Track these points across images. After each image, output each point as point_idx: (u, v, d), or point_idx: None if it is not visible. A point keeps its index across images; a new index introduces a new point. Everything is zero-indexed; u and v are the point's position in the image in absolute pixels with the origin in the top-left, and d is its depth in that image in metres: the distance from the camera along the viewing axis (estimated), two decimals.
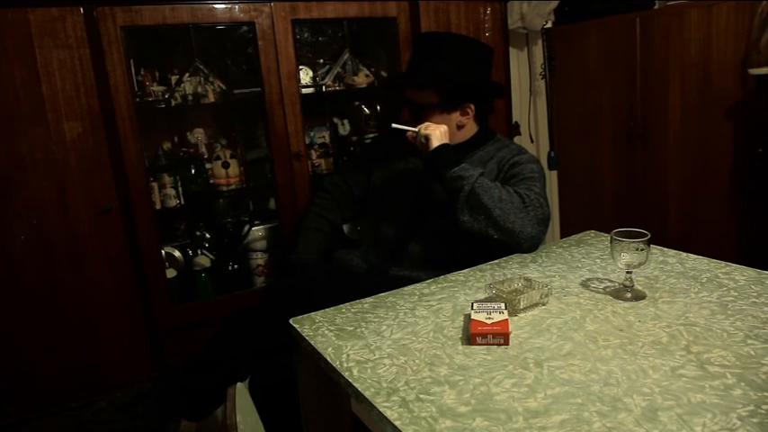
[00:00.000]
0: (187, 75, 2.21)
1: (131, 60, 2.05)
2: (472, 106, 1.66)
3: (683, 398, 0.80)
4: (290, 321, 1.18)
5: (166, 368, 2.14)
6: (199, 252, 2.37)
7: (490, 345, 1.00)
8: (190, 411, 1.39)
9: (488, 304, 1.08)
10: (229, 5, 2.05)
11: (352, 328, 1.12)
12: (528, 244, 1.46)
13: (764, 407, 0.77)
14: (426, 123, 1.57)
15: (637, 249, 1.11)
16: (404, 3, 2.34)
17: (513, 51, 3.10)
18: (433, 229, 1.64)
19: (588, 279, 1.27)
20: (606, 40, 2.84)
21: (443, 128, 1.56)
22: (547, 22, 3.01)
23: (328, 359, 1.00)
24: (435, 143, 1.52)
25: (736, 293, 1.13)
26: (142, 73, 2.19)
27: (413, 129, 1.58)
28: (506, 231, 1.43)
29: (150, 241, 2.05)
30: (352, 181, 1.93)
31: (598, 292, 1.20)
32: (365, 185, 1.87)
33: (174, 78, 2.22)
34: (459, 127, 1.67)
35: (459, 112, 1.66)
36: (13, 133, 1.80)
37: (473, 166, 1.53)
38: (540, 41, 3.14)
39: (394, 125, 1.61)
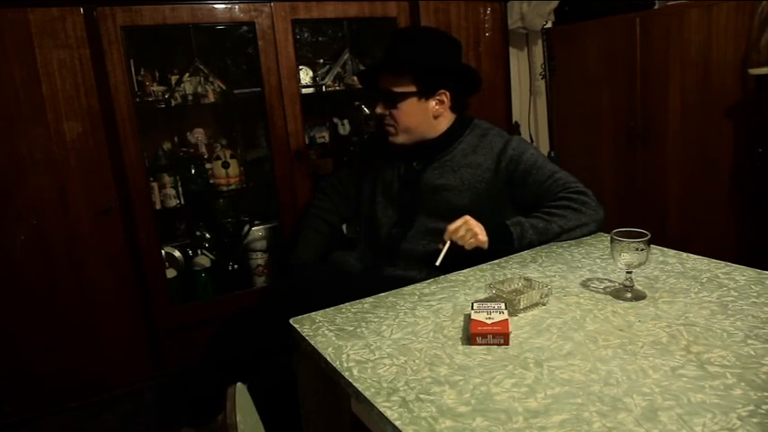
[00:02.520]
0: (187, 75, 2.21)
1: (131, 60, 2.05)
2: (448, 94, 1.63)
3: (683, 398, 0.80)
4: (290, 321, 1.18)
5: (166, 368, 2.14)
6: (199, 252, 2.37)
7: (490, 345, 1.00)
8: (192, 417, 1.39)
9: (488, 304, 1.08)
10: (229, 5, 2.05)
11: (352, 328, 1.12)
12: (602, 225, 1.57)
13: (764, 407, 0.77)
14: (453, 230, 1.45)
15: (637, 249, 1.11)
16: (404, 3, 2.34)
17: (513, 51, 3.10)
18: (422, 228, 1.63)
19: (588, 279, 1.27)
20: (606, 40, 2.84)
21: (468, 220, 1.45)
22: (547, 22, 3.01)
23: (328, 359, 1.00)
24: (483, 237, 1.45)
25: (736, 293, 1.13)
26: (142, 73, 2.19)
27: (446, 248, 1.45)
28: (584, 236, 1.55)
29: (150, 241, 2.05)
30: (347, 182, 1.94)
31: (598, 292, 1.20)
32: (358, 186, 1.88)
33: (174, 78, 2.22)
34: (435, 117, 1.64)
35: (435, 101, 1.63)
36: (13, 133, 1.80)
37: (457, 166, 1.62)
38: (540, 41, 3.14)
39: (437, 263, 1.44)
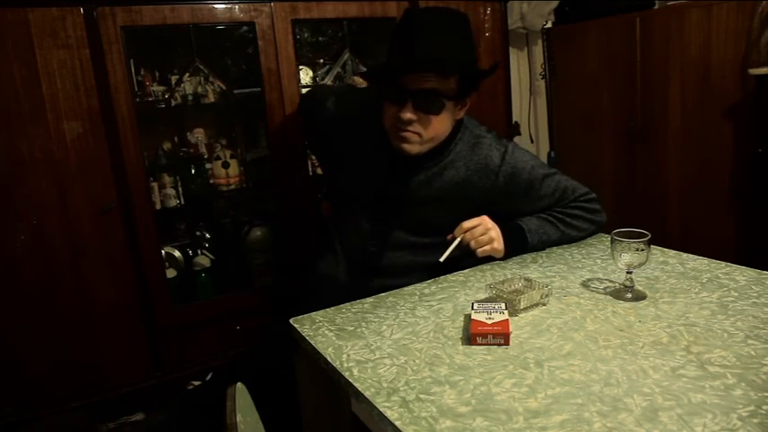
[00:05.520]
0: (187, 75, 2.21)
1: (131, 60, 2.05)
2: (473, 96, 1.41)
3: (684, 398, 0.80)
4: (290, 321, 1.17)
5: (166, 368, 2.14)
6: (199, 252, 2.37)
7: (490, 345, 1.00)
8: None
9: (489, 304, 1.08)
10: (229, 5, 2.05)
11: (352, 328, 1.12)
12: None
13: (765, 407, 0.77)
14: (467, 228, 1.35)
15: (637, 249, 1.11)
16: (404, 3, 2.34)
17: (513, 51, 3.10)
18: (400, 241, 1.47)
19: (588, 279, 1.27)
20: (606, 40, 2.84)
21: (486, 221, 1.37)
22: (547, 22, 3.02)
23: (328, 359, 1.00)
24: (500, 246, 1.39)
25: (736, 294, 1.13)
26: (142, 73, 2.19)
27: (455, 244, 1.35)
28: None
29: (150, 241, 2.05)
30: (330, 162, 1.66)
31: (598, 293, 1.20)
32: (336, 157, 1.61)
33: (174, 78, 2.22)
34: (453, 123, 1.40)
35: (461, 105, 1.39)
36: (13, 133, 1.80)
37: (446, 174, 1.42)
38: (540, 41, 3.14)
39: (442, 259, 1.33)
